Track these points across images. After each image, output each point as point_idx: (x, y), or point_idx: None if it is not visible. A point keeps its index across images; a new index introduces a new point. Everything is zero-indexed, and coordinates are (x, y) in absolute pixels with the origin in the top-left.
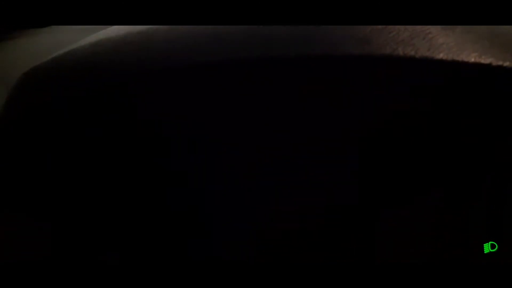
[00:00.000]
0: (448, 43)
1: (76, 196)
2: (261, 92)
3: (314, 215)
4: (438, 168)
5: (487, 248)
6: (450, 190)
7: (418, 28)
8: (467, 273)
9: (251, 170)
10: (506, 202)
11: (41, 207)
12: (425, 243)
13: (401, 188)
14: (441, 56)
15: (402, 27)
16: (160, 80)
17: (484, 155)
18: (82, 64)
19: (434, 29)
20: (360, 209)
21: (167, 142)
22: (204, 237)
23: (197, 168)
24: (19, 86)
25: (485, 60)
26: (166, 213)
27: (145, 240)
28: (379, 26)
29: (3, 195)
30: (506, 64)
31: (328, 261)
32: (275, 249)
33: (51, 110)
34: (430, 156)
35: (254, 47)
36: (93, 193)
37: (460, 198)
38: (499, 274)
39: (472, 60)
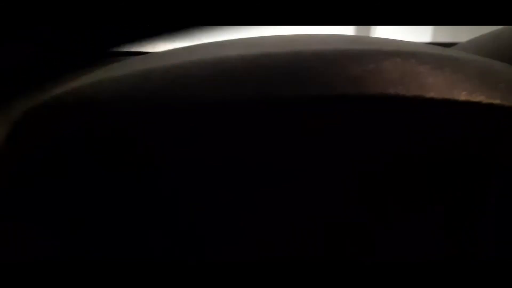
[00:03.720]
0: (438, 82)
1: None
2: (255, 132)
3: (315, 233)
4: (435, 185)
5: None
6: (448, 211)
7: (408, 68)
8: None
9: (252, 186)
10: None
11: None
12: (428, 254)
13: (399, 205)
14: (431, 95)
15: (392, 67)
16: (159, 120)
17: (478, 175)
18: (83, 103)
19: (423, 69)
20: (360, 225)
21: (170, 164)
22: (202, 241)
23: (195, 195)
24: (20, 124)
25: (476, 98)
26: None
27: (145, 243)
28: (370, 67)
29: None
30: (497, 102)
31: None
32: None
33: (51, 150)
34: (427, 174)
35: (248, 88)
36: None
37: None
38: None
39: (462, 98)
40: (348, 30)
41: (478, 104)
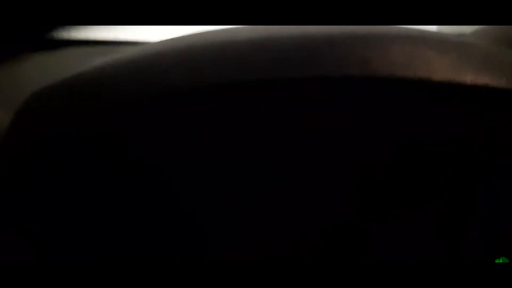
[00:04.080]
0: (445, 65)
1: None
2: (262, 113)
3: (313, 232)
4: (433, 184)
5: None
6: (446, 206)
7: (416, 50)
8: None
9: (252, 186)
10: (500, 215)
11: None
12: (423, 254)
13: (398, 205)
14: (438, 77)
15: (400, 50)
16: (166, 104)
17: (477, 173)
18: (89, 88)
19: (430, 52)
20: (358, 224)
21: (170, 163)
22: (203, 241)
23: (196, 188)
24: (25, 109)
25: (481, 81)
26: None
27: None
28: (378, 49)
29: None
30: (502, 85)
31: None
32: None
33: (57, 137)
34: (426, 173)
35: (255, 69)
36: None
37: (455, 213)
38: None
39: (469, 81)
40: None
41: (484, 87)
